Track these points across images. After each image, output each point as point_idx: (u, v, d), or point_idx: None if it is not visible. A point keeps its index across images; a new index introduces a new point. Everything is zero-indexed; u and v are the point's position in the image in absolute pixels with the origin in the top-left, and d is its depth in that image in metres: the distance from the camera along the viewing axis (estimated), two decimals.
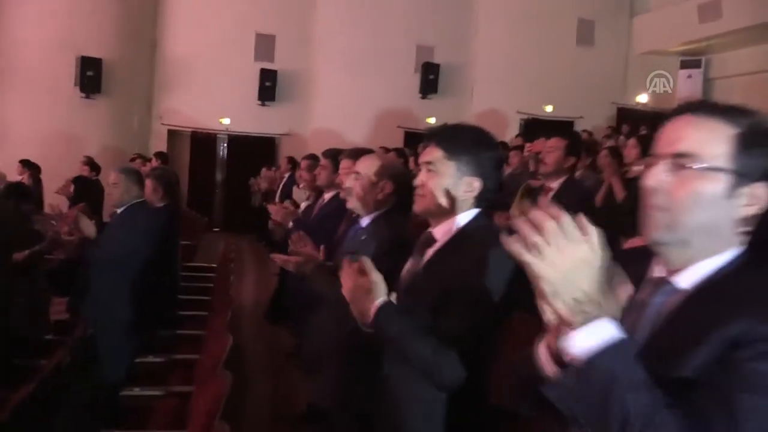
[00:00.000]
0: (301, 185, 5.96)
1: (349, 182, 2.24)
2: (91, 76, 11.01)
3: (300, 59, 12.73)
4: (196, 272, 5.68)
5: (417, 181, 1.58)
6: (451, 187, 1.52)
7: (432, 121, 13.04)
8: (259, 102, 12.63)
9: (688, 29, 12.39)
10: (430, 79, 12.83)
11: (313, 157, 4.80)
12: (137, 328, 3.49)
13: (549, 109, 13.44)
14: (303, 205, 3.95)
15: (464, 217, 1.55)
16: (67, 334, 3.86)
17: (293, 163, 8.09)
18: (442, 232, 1.56)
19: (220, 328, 2.83)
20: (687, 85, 13.81)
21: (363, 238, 2.15)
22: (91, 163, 7.66)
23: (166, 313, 3.89)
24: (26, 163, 8.46)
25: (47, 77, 10.91)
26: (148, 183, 4.22)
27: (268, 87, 12.47)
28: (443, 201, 1.53)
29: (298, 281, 2.45)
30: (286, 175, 7.88)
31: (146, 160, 8.22)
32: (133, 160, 8.53)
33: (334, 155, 3.34)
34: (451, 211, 1.54)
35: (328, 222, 3.11)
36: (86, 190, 5.94)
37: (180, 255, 4.84)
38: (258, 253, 9.75)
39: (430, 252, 1.57)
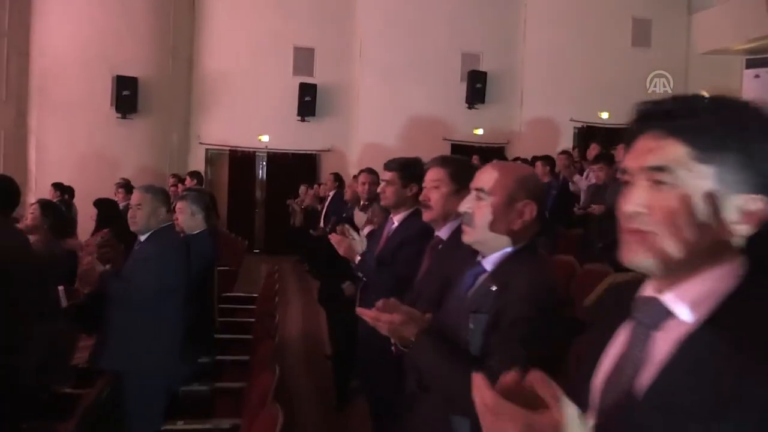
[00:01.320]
0: (351, 199, 5.36)
1: (466, 205, 1.56)
2: (127, 95, 10.68)
3: (340, 72, 12.23)
4: (235, 303, 5.10)
5: (633, 205, 0.86)
6: (713, 213, 0.83)
7: (479, 132, 12.41)
8: (299, 117, 12.15)
9: (756, 24, 11.49)
10: (476, 87, 12.18)
11: (370, 171, 4.19)
12: (168, 382, 2.91)
13: (605, 116, 12.63)
14: (365, 230, 3.29)
15: (735, 269, 0.84)
16: (90, 386, 3.28)
17: (339, 180, 7.51)
18: (692, 297, 0.84)
19: (264, 394, 2.20)
20: (754, 86, 12.86)
21: (493, 288, 1.44)
22: (126, 186, 7.20)
23: (202, 362, 3.30)
24: (58, 186, 8.09)
25: (82, 98, 10.64)
26: (183, 206, 3.66)
27: (308, 102, 11.98)
28: (697, 240, 0.83)
29: (373, 339, 1.78)
30: (332, 193, 7.30)
31: (180, 180, 7.74)
32: (174, 184, 8.09)
33: (405, 166, 2.68)
34: (711, 257, 0.84)
35: (406, 253, 2.47)
36: (112, 213, 5.39)
37: (217, 284, 4.26)
38: (301, 277, 9.20)
39: (671, 337, 0.84)
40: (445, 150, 11.92)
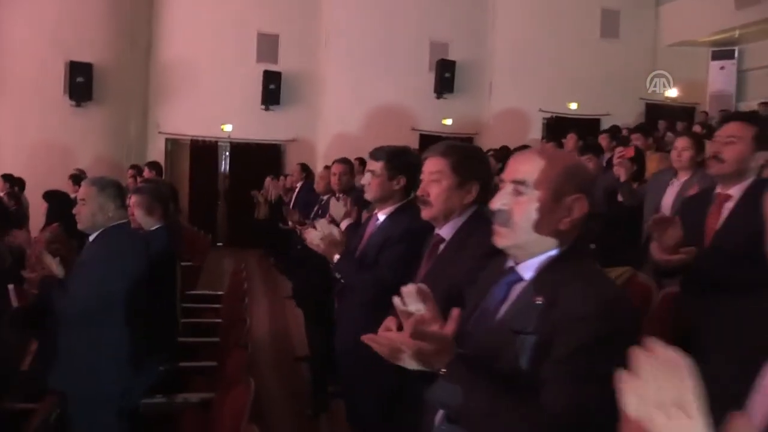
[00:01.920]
0: (322, 191, 5.08)
1: (500, 201, 1.27)
2: (81, 82, 10.16)
3: (306, 59, 11.86)
4: (199, 302, 4.78)
5: None
6: None
7: (448, 122, 12.21)
8: (263, 106, 11.74)
9: (723, 17, 11.57)
10: (445, 77, 11.96)
11: (344, 161, 3.91)
12: (124, 397, 2.59)
13: (573, 106, 12.59)
14: (343, 224, 3.01)
15: None
16: (38, 400, 2.93)
17: (307, 170, 7.20)
18: None
19: (238, 413, 1.93)
20: (719, 78, 12.98)
21: (538, 302, 1.18)
22: (77, 177, 6.74)
23: (164, 370, 2.99)
24: (8, 178, 7.60)
25: (34, 84, 10.08)
26: (138, 201, 3.31)
27: (272, 90, 11.59)
28: None
29: (355, 345, 1.47)
30: (299, 185, 6.99)
31: (139, 171, 7.32)
32: (134, 176, 7.61)
33: (394, 155, 2.39)
34: None
35: (391, 253, 2.19)
36: (63, 207, 4.93)
37: (179, 283, 3.93)
38: (267, 272, 8.88)
39: None
40: (414, 140, 11.68)
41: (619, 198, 3.92)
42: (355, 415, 2.67)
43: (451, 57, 12.07)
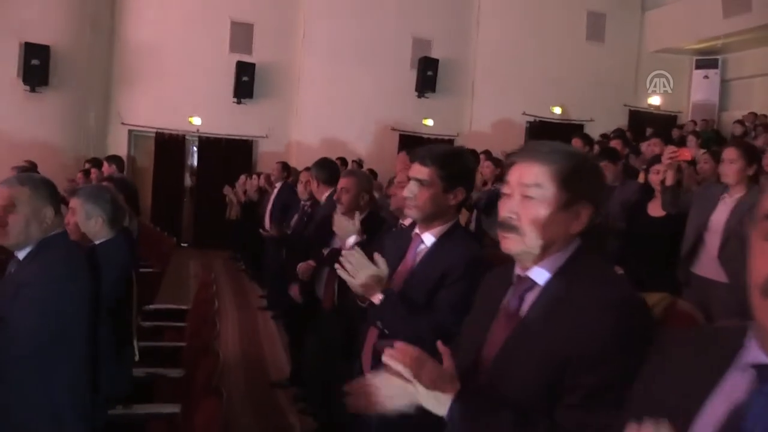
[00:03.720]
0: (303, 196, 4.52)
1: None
2: (36, 65, 9.37)
3: (281, 51, 11.23)
4: (159, 319, 4.16)
5: None
6: None
7: (429, 122, 11.73)
8: (235, 99, 11.07)
9: (709, 25, 11.33)
10: (427, 75, 11.47)
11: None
12: None
13: (557, 110, 12.24)
14: (351, 241, 2.43)
15: None
16: None
17: (288, 170, 6.59)
18: None
19: None
20: (703, 87, 12.76)
21: None
22: (27, 170, 6.02)
23: (116, 414, 2.41)
24: None
25: None
26: (81, 205, 2.64)
27: (245, 82, 10.93)
28: None
29: None
30: (278, 185, 6.38)
31: (97, 164, 6.60)
32: (86, 170, 6.88)
33: (450, 159, 1.79)
34: None
35: (455, 291, 1.65)
36: None
37: (137, 299, 3.31)
38: (236, 277, 8.25)
39: None
40: (394, 140, 11.20)
41: (650, 212, 3.47)
42: None
43: (434, 55, 11.59)
